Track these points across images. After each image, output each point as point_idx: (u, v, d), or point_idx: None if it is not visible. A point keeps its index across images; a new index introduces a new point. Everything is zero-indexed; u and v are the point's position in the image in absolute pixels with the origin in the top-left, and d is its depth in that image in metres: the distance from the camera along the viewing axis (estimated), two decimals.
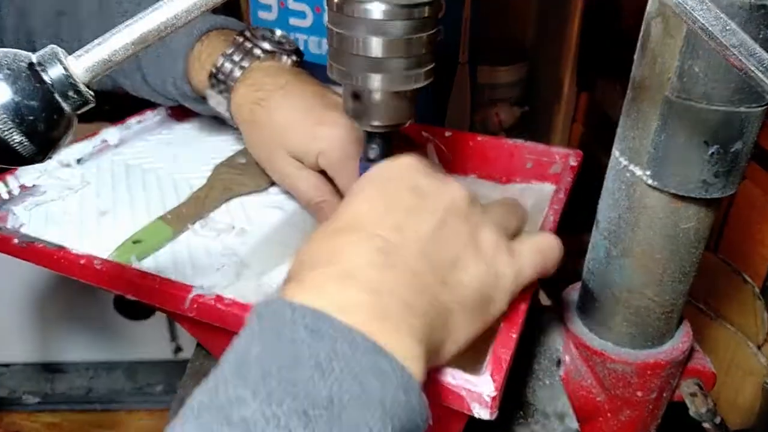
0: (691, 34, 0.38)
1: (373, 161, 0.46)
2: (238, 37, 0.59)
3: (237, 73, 0.57)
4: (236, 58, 0.57)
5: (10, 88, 0.25)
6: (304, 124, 0.53)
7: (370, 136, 0.45)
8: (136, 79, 0.64)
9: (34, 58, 0.26)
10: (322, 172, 0.54)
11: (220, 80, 0.57)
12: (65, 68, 0.26)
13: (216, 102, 0.59)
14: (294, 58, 0.60)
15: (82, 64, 0.26)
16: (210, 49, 0.59)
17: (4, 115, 0.25)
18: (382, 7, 0.38)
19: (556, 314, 0.60)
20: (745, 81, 0.28)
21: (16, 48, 0.71)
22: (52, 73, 0.26)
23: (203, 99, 0.62)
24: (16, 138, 0.25)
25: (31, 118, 0.25)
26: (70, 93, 0.26)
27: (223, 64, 0.57)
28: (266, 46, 0.58)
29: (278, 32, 0.62)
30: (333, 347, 0.26)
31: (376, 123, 0.43)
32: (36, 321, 1.13)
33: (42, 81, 0.26)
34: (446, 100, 1.20)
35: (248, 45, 0.58)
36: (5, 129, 0.25)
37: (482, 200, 0.62)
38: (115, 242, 0.54)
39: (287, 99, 0.54)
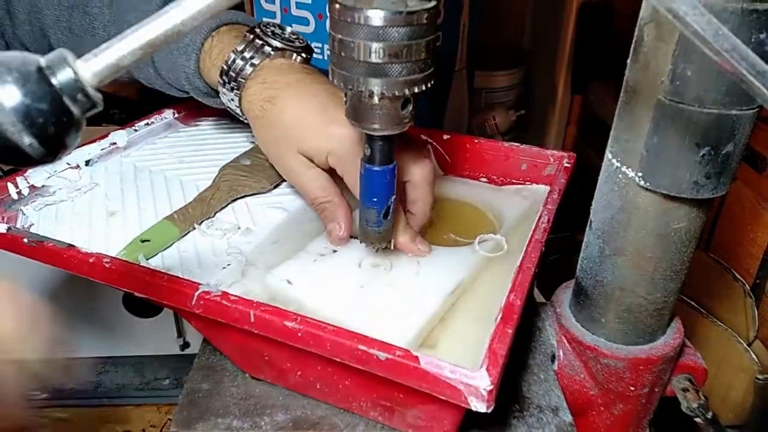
0: (683, 39, 0.39)
1: (373, 164, 0.47)
2: (248, 34, 0.58)
3: (248, 70, 0.57)
4: (247, 55, 0.57)
5: (20, 90, 0.25)
6: (314, 123, 0.53)
7: (370, 140, 0.46)
8: (149, 72, 0.65)
9: (42, 61, 0.26)
10: (331, 172, 0.54)
11: (231, 77, 0.57)
12: (74, 72, 0.26)
13: (227, 98, 0.59)
14: (304, 55, 0.60)
15: (90, 68, 0.27)
16: (221, 45, 0.59)
17: (14, 118, 0.25)
18: (382, 13, 0.39)
19: (551, 311, 0.61)
20: (737, 84, 0.28)
21: (31, 41, 0.71)
22: (61, 77, 0.26)
23: (216, 93, 0.62)
24: (26, 140, 0.25)
25: (41, 120, 0.26)
26: (79, 96, 0.27)
27: (234, 61, 0.57)
28: (276, 43, 0.58)
29: (288, 29, 0.62)
30: None
31: (376, 127, 0.44)
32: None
33: (51, 84, 0.26)
34: (444, 104, 1.20)
35: (259, 42, 0.58)
36: (15, 131, 0.25)
37: (478, 201, 0.64)
38: (124, 242, 0.54)
39: (298, 97, 0.54)
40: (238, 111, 0.60)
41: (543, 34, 1.68)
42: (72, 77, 0.26)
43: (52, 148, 0.27)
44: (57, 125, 0.26)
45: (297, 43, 0.60)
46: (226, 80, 0.58)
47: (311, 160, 0.54)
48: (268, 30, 0.59)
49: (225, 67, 0.58)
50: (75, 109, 0.27)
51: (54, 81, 0.26)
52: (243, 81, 0.57)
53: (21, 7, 0.68)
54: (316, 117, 0.53)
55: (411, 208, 0.55)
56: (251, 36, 0.58)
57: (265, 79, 0.57)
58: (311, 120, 0.53)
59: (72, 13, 0.65)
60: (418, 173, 0.53)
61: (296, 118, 0.54)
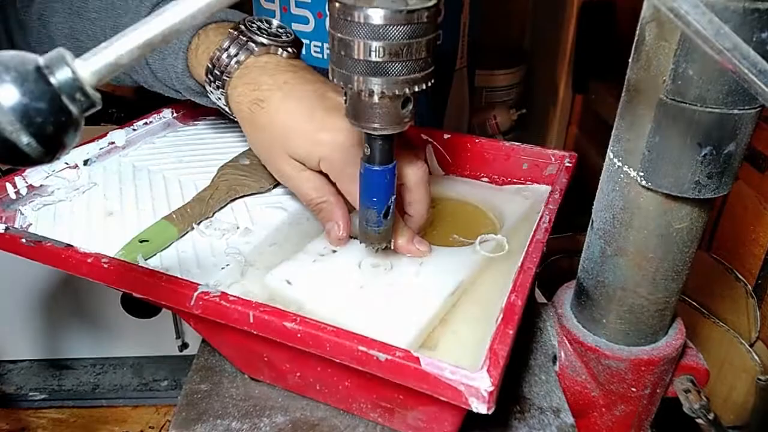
0: (685, 38, 0.39)
1: (373, 164, 0.47)
2: (233, 31, 0.58)
3: (233, 67, 0.56)
4: (232, 51, 0.57)
5: (18, 90, 0.25)
6: (305, 129, 0.52)
7: (370, 139, 0.46)
8: (147, 75, 0.65)
9: (41, 60, 0.26)
10: (324, 174, 0.54)
11: (216, 75, 0.57)
12: (72, 71, 0.26)
13: (215, 97, 0.59)
14: (290, 50, 0.59)
15: (88, 67, 0.26)
16: (207, 43, 0.59)
17: (12, 117, 0.25)
18: (382, 12, 0.38)
19: (552, 311, 0.61)
20: (739, 83, 0.28)
21: (40, 48, 0.73)
22: (59, 76, 0.26)
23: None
24: (24, 139, 0.25)
25: (39, 119, 0.25)
26: (77, 95, 0.26)
27: (219, 59, 0.57)
28: (262, 39, 0.57)
29: (275, 22, 0.61)
30: None
31: (376, 126, 0.44)
32: (43, 319, 1.13)
33: (49, 83, 0.26)
34: (445, 103, 1.20)
35: (243, 39, 0.57)
36: (13, 130, 0.25)
37: (479, 201, 0.64)
38: (122, 242, 0.54)
39: (287, 102, 0.54)
40: (227, 109, 0.59)
41: (544, 33, 1.68)
42: (70, 76, 0.26)
43: (50, 148, 0.26)
44: (55, 124, 0.26)
45: (284, 38, 0.59)
46: (212, 78, 0.57)
47: (303, 163, 0.53)
48: (253, 26, 0.58)
49: (210, 66, 0.57)
50: (73, 109, 0.27)
51: (52, 80, 0.26)
52: (228, 79, 0.57)
53: (30, 16, 0.68)
54: (307, 122, 0.52)
55: (408, 210, 0.55)
56: (236, 33, 0.58)
57: (251, 80, 0.56)
58: (301, 126, 0.52)
59: (73, 19, 0.66)
60: (412, 175, 0.53)
61: (285, 124, 0.53)
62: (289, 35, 0.60)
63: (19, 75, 0.25)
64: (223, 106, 0.59)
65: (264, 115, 0.54)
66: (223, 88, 0.57)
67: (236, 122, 0.60)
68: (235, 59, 0.57)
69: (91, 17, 0.65)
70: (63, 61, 0.26)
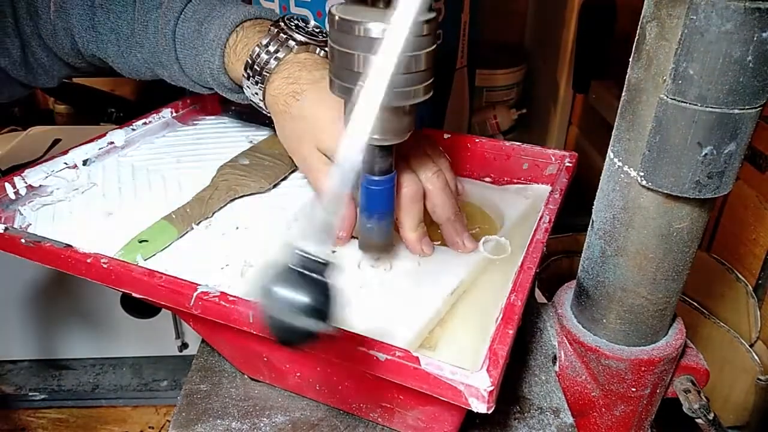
0: (685, 37, 0.38)
1: (372, 174, 0.47)
2: (272, 28, 0.59)
3: (272, 63, 0.58)
4: (271, 48, 0.58)
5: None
6: (336, 121, 0.53)
7: (370, 149, 0.46)
8: (174, 70, 0.65)
9: None
10: None
11: (255, 71, 0.58)
12: None
13: (251, 92, 0.60)
14: (327, 49, 0.59)
15: None
16: (246, 39, 0.60)
17: None
18: (382, 26, 0.38)
19: (552, 311, 0.61)
20: (739, 83, 0.28)
21: (53, 40, 0.72)
22: None
23: (240, 88, 0.63)
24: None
25: None
26: None
27: (258, 55, 0.58)
28: (300, 37, 0.59)
29: (312, 22, 0.62)
30: None
31: (375, 137, 0.44)
32: (43, 319, 1.13)
33: None
34: (445, 103, 1.20)
35: (283, 36, 0.59)
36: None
37: (480, 201, 0.64)
38: (121, 242, 0.54)
39: (321, 94, 0.55)
40: (261, 105, 0.60)
41: (544, 32, 1.68)
42: None
43: None
44: None
45: (320, 37, 0.61)
46: (251, 74, 0.58)
47: (329, 158, 0.54)
48: (292, 24, 0.60)
49: (249, 61, 0.58)
50: None
51: None
52: (267, 75, 0.58)
53: (44, 7, 0.68)
54: (337, 115, 0.53)
55: (434, 217, 0.55)
56: (275, 30, 0.59)
57: (289, 74, 0.57)
58: (332, 118, 0.53)
59: (95, 11, 0.66)
60: (428, 183, 0.53)
61: (318, 115, 0.54)
62: (325, 35, 0.61)
63: None
64: (258, 102, 0.60)
65: (298, 106, 0.56)
66: (262, 83, 0.58)
67: (237, 122, 0.60)
68: (274, 56, 0.58)
69: (116, 10, 0.65)
70: None
